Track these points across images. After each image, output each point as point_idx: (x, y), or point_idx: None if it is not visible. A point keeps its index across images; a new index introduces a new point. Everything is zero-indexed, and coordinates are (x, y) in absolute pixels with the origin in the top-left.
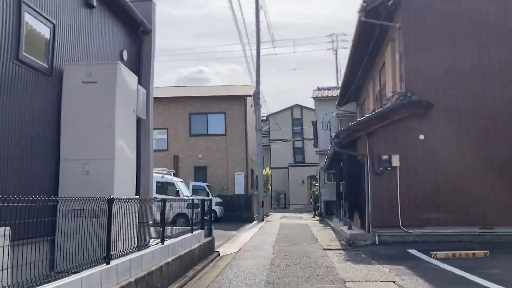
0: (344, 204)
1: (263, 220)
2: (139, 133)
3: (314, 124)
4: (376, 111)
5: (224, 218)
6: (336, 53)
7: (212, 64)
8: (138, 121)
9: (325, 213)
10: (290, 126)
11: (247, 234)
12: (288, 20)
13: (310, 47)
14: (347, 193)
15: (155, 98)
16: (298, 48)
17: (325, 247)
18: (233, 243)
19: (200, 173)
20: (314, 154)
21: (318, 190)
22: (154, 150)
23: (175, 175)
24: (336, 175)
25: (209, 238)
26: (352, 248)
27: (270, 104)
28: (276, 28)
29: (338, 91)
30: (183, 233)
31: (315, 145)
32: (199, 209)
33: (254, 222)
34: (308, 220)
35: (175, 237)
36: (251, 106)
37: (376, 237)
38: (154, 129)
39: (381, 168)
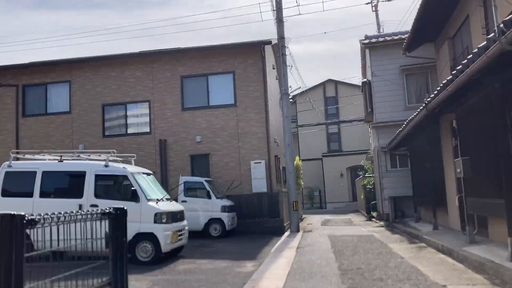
0: (473, 204)
1: (298, 231)
2: None
3: (366, 85)
4: None
5: (237, 230)
6: (376, 8)
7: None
8: None
9: (393, 215)
10: (323, 107)
11: (275, 272)
12: None
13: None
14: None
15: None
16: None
17: None
18: None
19: (199, 164)
20: (352, 141)
21: (374, 182)
22: (130, 134)
23: (164, 166)
24: (415, 156)
25: None
26: None
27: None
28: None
29: (398, 36)
30: None
31: (368, 117)
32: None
33: (285, 235)
34: (366, 226)
35: None
36: (273, 68)
37: None
38: (129, 102)
39: None
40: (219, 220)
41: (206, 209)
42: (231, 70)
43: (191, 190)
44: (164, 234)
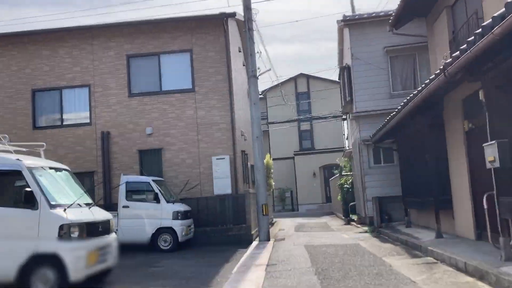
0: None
1: (268, 239)
2: None
3: (345, 71)
4: None
5: (194, 240)
6: None
7: None
8: None
9: (379, 219)
10: (294, 102)
11: None
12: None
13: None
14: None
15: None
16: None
17: None
18: None
19: (150, 160)
20: (325, 138)
21: (354, 181)
22: (66, 125)
23: (107, 163)
24: (405, 149)
25: None
26: None
27: (265, 84)
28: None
29: (382, 13)
30: None
31: (346, 108)
32: None
33: (253, 245)
34: (347, 232)
35: None
36: (239, 51)
37: None
38: (65, 87)
39: None
40: (170, 230)
41: (154, 216)
42: (188, 48)
43: (135, 192)
44: (74, 255)
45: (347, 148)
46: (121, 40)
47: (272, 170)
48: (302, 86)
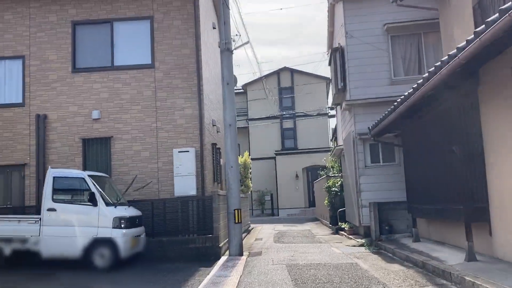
0: None
1: (241, 254)
2: None
3: (336, 54)
4: None
5: (145, 255)
6: None
7: None
8: None
9: (378, 229)
10: (277, 98)
11: None
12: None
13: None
14: None
15: None
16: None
17: None
18: None
19: (96, 152)
20: (309, 137)
21: (344, 183)
22: None
23: (42, 154)
24: (414, 143)
25: None
26: None
27: (245, 76)
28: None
29: None
30: None
31: (337, 98)
32: None
33: (220, 262)
34: (337, 245)
35: None
36: (214, 28)
37: None
38: None
39: None
40: (108, 242)
41: (89, 222)
42: (148, 15)
43: (66, 191)
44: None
45: (334, 146)
46: (66, 3)
47: (250, 170)
48: (285, 81)
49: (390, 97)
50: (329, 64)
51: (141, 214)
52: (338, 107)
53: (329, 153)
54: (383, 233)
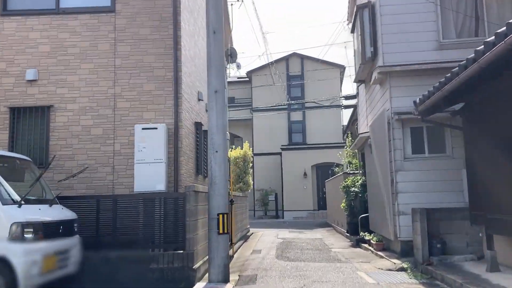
0: None
1: (226, 280)
2: None
3: (363, 13)
4: None
5: (83, 278)
6: None
7: None
8: None
9: (427, 248)
10: (285, 88)
11: None
12: None
13: None
14: None
15: None
16: None
17: None
18: None
19: (29, 126)
20: (320, 131)
21: (367, 182)
22: None
23: None
24: (485, 125)
25: None
26: None
27: (249, 63)
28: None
29: None
30: None
31: (363, 71)
32: None
33: None
34: (366, 268)
35: None
36: None
37: None
38: None
39: None
40: (2, 262)
41: None
42: None
43: None
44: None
45: (353, 138)
46: None
47: (251, 165)
48: (295, 67)
49: (439, 63)
50: (352, 31)
51: (76, 218)
52: (361, 87)
53: (344, 148)
54: (433, 253)
